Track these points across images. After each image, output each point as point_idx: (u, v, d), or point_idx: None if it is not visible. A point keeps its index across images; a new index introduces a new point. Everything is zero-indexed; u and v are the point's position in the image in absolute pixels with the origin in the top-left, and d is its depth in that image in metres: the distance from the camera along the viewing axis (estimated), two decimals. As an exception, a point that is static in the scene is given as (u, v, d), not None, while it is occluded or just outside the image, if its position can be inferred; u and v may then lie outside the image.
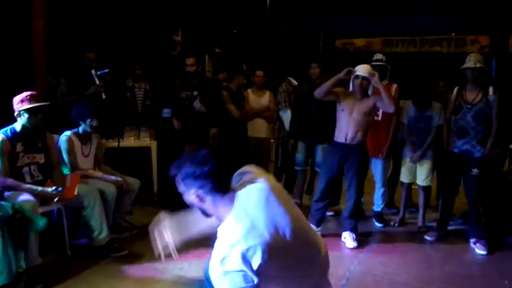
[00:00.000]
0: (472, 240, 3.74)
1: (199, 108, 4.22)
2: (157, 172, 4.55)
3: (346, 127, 3.68)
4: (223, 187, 1.63)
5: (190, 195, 1.64)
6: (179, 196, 4.32)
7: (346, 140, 3.68)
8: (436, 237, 3.90)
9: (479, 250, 3.64)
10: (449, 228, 4.06)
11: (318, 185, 3.97)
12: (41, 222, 2.50)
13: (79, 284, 2.73)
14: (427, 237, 3.92)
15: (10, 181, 2.80)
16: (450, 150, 3.80)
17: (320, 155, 4.31)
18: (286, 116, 4.66)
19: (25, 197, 2.71)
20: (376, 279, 3.08)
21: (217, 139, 4.65)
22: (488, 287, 3.10)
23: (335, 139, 3.77)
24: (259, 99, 4.70)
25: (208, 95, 4.25)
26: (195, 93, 4.22)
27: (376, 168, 4.29)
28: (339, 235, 3.80)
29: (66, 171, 3.31)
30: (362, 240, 3.77)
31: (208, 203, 1.63)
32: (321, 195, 3.83)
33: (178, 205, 4.13)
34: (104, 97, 3.75)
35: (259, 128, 4.72)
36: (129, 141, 4.41)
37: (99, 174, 3.43)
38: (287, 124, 4.64)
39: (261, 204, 1.59)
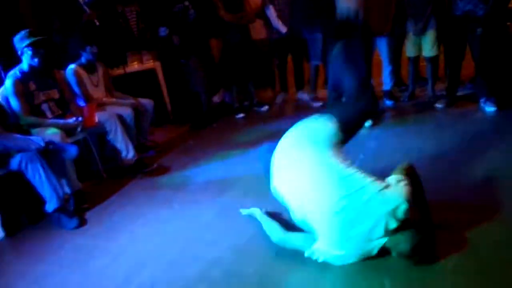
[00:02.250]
0: (481, 100, 3.82)
1: (194, 15, 4.16)
2: (167, 92, 4.63)
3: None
4: None
5: None
6: (193, 111, 4.50)
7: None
8: (446, 103, 3.99)
9: (489, 108, 3.74)
10: (459, 94, 4.13)
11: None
12: (73, 150, 2.67)
13: (120, 198, 2.99)
14: (437, 105, 4.02)
15: (33, 118, 2.95)
16: (453, 14, 3.73)
17: None
18: (270, 13, 4.55)
19: (52, 130, 2.87)
20: (393, 147, 3.23)
21: (218, 50, 4.63)
22: (498, 137, 3.23)
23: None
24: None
25: (198, 2, 4.17)
26: (186, 3, 4.12)
27: (382, 46, 4.26)
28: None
29: (81, 103, 3.43)
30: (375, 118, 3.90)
31: None
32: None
33: (193, 121, 4.35)
34: (97, 23, 3.73)
35: (258, 30, 4.65)
36: (133, 66, 4.44)
37: (113, 100, 3.54)
38: (274, 21, 4.55)
39: None
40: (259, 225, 2.39)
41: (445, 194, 2.34)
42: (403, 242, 1.76)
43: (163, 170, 3.35)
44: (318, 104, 4.58)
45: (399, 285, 1.80)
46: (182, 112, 4.61)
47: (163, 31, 4.41)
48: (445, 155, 2.95)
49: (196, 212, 2.65)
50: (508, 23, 4.23)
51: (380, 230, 1.77)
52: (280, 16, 4.53)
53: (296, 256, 2.04)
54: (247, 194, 2.79)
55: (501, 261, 1.80)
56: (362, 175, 1.89)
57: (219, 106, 4.80)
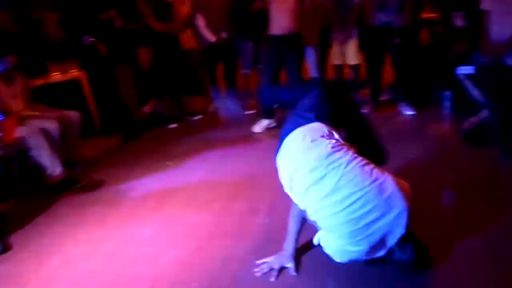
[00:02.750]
0: (401, 104, 4.14)
1: (123, 25, 4.01)
2: (94, 102, 4.40)
3: (279, 18, 3.74)
4: None
5: None
6: (123, 123, 4.31)
7: (283, 31, 3.77)
8: (370, 108, 4.26)
9: (407, 111, 4.06)
10: (382, 98, 4.44)
11: (262, 81, 4.11)
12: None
13: (48, 218, 2.77)
14: (363, 110, 4.27)
15: None
16: (373, 25, 4.00)
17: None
18: (198, 22, 4.53)
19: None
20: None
21: (147, 59, 4.50)
22: (417, 137, 3.53)
23: (271, 32, 3.83)
24: (181, 7, 4.52)
25: (128, 9, 4.03)
26: (113, 11, 3.97)
27: (310, 56, 4.44)
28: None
29: (-1, 117, 3.14)
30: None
31: None
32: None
33: (123, 132, 4.18)
34: (14, 31, 3.45)
35: (188, 39, 4.61)
36: (55, 76, 4.17)
37: (36, 113, 3.29)
38: (202, 31, 4.55)
39: None
40: (201, 237, 2.37)
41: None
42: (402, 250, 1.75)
43: (95, 185, 3.16)
44: (249, 112, 4.65)
45: None
46: (111, 123, 4.41)
47: (86, 39, 4.21)
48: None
49: (134, 228, 2.54)
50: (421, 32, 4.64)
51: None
52: (209, 25, 4.53)
53: (242, 266, 2.05)
54: (187, 205, 2.74)
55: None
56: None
57: (150, 116, 4.66)
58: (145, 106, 4.67)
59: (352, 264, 1.87)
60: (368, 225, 1.68)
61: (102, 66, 4.12)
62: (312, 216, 1.84)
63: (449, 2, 4.42)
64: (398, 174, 1.81)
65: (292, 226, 2.00)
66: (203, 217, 2.57)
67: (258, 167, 3.26)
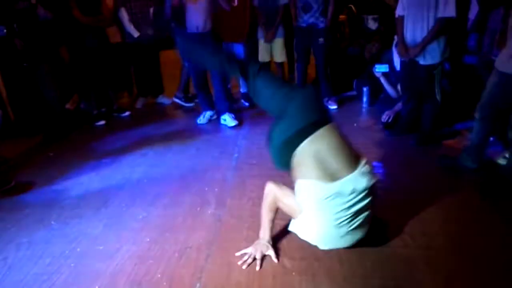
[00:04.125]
0: (325, 99, 4.47)
1: (44, 15, 3.75)
2: (8, 99, 4.06)
3: (195, 17, 3.81)
4: None
5: None
6: (45, 121, 4.03)
7: (198, 29, 3.83)
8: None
9: (332, 106, 4.41)
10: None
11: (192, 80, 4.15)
12: None
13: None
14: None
15: None
16: (298, 25, 4.26)
17: None
18: (121, 15, 4.42)
19: None
20: (259, 147, 3.51)
21: (65, 55, 4.26)
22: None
23: (188, 30, 3.87)
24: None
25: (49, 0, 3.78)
26: (33, 1, 3.70)
27: (239, 52, 4.56)
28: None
29: None
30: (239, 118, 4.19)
31: None
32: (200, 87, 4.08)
33: (46, 131, 3.91)
34: None
35: (114, 34, 4.46)
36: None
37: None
38: (126, 25, 4.45)
39: None
40: (155, 230, 2.37)
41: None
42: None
43: (25, 187, 2.95)
44: (190, 105, 4.66)
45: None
46: (29, 122, 4.10)
47: (0, 31, 3.86)
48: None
49: (82, 227, 2.44)
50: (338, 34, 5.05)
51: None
52: (133, 20, 4.42)
53: (199, 256, 2.11)
54: (133, 201, 2.71)
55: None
56: None
57: (74, 113, 4.41)
58: (67, 103, 4.41)
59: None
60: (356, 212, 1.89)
61: (18, 61, 3.81)
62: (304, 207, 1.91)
63: (362, 6, 4.89)
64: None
65: (266, 215, 2.06)
66: (152, 212, 2.57)
67: (199, 159, 3.32)
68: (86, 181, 3.04)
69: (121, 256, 2.16)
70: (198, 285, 1.92)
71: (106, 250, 2.21)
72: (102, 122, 4.29)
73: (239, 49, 4.49)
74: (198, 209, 2.57)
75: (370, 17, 4.79)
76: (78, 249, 2.24)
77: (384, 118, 3.75)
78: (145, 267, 2.07)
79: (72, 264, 2.11)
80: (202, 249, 2.18)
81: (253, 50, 4.73)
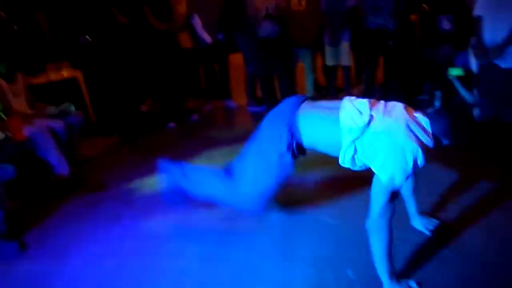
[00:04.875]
0: (394, 104, 4.31)
1: (122, 20, 4.01)
2: (92, 102, 4.38)
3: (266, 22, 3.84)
4: None
5: None
6: (121, 122, 4.25)
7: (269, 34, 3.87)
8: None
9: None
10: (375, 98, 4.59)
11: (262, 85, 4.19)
12: (9, 171, 2.43)
13: (60, 217, 2.77)
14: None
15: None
16: (366, 27, 4.15)
17: None
18: (195, 22, 4.58)
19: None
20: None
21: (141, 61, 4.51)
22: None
23: (258, 35, 3.91)
24: (178, 6, 4.54)
25: (124, 8, 4.03)
26: (113, 10, 3.97)
27: (305, 57, 4.55)
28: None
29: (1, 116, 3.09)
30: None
31: None
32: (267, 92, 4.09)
33: (121, 131, 4.17)
34: (16, 28, 3.41)
35: (185, 39, 4.65)
36: (52, 75, 4.13)
37: (41, 112, 3.27)
38: (199, 31, 4.58)
39: None
40: (223, 231, 2.43)
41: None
42: None
43: (102, 184, 3.17)
44: (257, 109, 4.71)
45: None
46: (108, 122, 4.39)
47: (83, 38, 4.18)
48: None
49: (151, 225, 2.57)
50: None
51: None
52: (205, 26, 4.57)
53: (267, 254, 2.13)
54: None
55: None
56: None
57: (147, 115, 4.66)
58: (142, 105, 4.67)
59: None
60: None
61: (101, 66, 4.10)
62: None
63: (436, 6, 4.64)
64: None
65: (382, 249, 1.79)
66: (216, 214, 2.63)
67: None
68: (157, 182, 3.19)
69: (189, 255, 2.24)
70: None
71: (175, 249, 2.31)
72: (172, 125, 4.49)
73: (304, 54, 4.48)
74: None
75: (444, 17, 4.54)
76: (149, 247, 2.36)
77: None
78: (211, 268, 2.13)
79: (142, 262, 2.23)
80: (266, 252, 2.20)
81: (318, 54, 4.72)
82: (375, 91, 4.62)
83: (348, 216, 2.44)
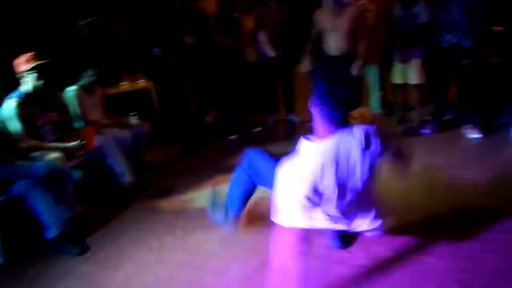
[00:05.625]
0: (465, 127, 4.03)
1: (189, 41, 4.22)
2: (160, 112, 4.64)
3: (334, 43, 3.79)
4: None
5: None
6: (186, 132, 4.46)
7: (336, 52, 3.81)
8: (432, 129, 4.18)
9: (473, 135, 3.95)
10: (445, 118, 4.33)
11: None
12: (76, 174, 2.66)
13: (121, 223, 2.98)
14: (424, 131, 4.20)
15: (34, 142, 2.91)
16: (439, 45, 3.93)
17: None
18: (261, 37, 4.61)
19: (51, 154, 2.85)
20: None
21: (209, 74, 4.69)
22: (482, 163, 3.40)
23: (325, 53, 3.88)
24: (247, 21, 4.66)
25: (196, 26, 4.23)
26: (185, 27, 4.19)
27: (371, 74, 4.42)
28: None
29: (77, 126, 3.40)
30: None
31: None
32: None
33: (186, 141, 4.37)
34: (96, 44, 3.74)
35: (250, 53, 4.75)
36: (126, 86, 4.44)
37: (111, 122, 3.54)
38: (263, 46, 4.63)
39: None
40: (264, 253, 2.44)
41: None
42: None
43: (163, 193, 3.35)
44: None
45: None
46: (174, 132, 4.63)
47: (156, 52, 4.46)
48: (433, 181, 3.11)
49: (200, 239, 2.66)
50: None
51: None
52: (270, 41, 4.63)
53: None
54: (253, 219, 2.82)
55: None
56: None
57: (210, 126, 4.84)
58: (206, 117, 4.86)
59: None
60: None
61: (170, 78, 4.34)
62: None
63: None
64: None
65: None
66: (266, 234, 2.64)
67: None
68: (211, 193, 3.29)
69: (232, 274, 2.28)
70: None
71: (219, 266, 2.37)
72: (234, 136, 4.60)
73: (371, 71, 4.35)
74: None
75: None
76: (196, 261, 2.45)
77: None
78: (251, 289, 2.16)
79: (188, 275, 2.32)
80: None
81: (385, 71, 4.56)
82: (446, 112, 4.35)
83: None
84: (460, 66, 3.86)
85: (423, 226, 2.53)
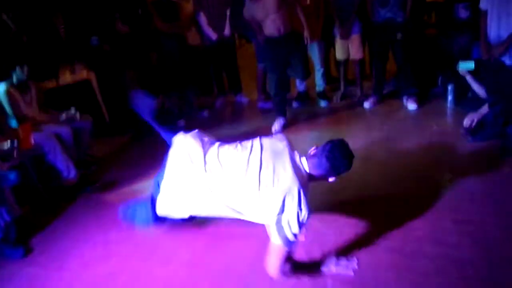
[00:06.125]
0: (404, 98, 4.20)
1: (123, 29, 4.12)
2: (104, 102, 4.53)
3: (272, 23, 3.78)
4: None
5: None
6: (132, 120, 4.35)
7: (279, 33, 3.81)
8: (374, 103, 4.33)
9: (411, 106, 4.13)
10: (385, 91, 4.50)
11: (270, 81, 4.16)
12: (13, 176, 2.58)
13: (66, 221, 2.93)
14: (365, 105, 4.34)
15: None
16: (375, 20, 4.03)
17: None
18: (201, 20, 4.56)
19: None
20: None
21: (154, 61, 4.61)
22: (419, 134, 3.59)
23: (267, 35, 3.87)
24: (186, 4, 4.57)
25: (128, 14, 4.12)
26: (117, 15, 4.06)
27: (313, 51, 4.47)
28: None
29: (14, 124, 3.28)
30: (313, 120, 4.16)
31: None
32: (279, 88, 4.05)
33: (133, 130, 4.30)
34: (25, 39, 3.57)
35: (193, 36, 4.69)
36: (66, 78, 4.28)
37: (48, 118, 3.43)
38: (205, 28, 4.58)
39: None
40: (210, 234, 2.50)
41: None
42: None
43: (109, 185, 3.31)
44: (266, 105, 4.70)
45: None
46: (120, 122, 4.54)
47: (95, 40, 4.32)
48: (372, 155, 3.26)
49: (146, 229, 2.67)
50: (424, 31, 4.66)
51: None
52: (210, 23, 4.58)
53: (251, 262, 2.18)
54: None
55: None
56: None
57: (159, 112, 4.76)
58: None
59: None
60: None
61: (110, 67, 4.23)
62: None
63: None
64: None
65: None
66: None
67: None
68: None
69: (177, 262, 2.32)
70: None
71: (165, 255, 2.40)
72: (182, 122, 4.57)
73: (313, 48, 4.41)
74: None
75: (461, 4, 4.32)
76: (142, 252, 2.47)
77: (467, 122, 3.39)
78: (195, 274, 2.21)
79: (134, 267, 2.34)
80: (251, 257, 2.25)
81: (328, 47, 4.64)
82: (386, 85, 4.51)
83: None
84: (395, 40, 3.99)
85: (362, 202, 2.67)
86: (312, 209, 1.92)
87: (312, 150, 2.02)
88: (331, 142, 1.98)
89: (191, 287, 2.13)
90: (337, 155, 1.92)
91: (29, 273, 2.42)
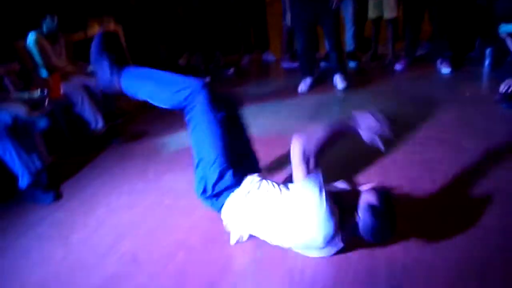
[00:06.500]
0: (438, 61, 4.03)
1: None
2: (131, 56, 4.54)
3: None
4: None
5: None
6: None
7: None
8: (405, 65, 4.18)
9: (445, 69, 3.96)
10: (418, 54, 4.32)
11: (298, 39, 4.04)
12: (43, 122, 2.65)
13: (93, 169, 3.02)
14: (396, 67, 4.19)
15: (-5, 94, 2.87)
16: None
17: None
18: None
19: (16, 105, 2.82)
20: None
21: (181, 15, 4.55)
22: (451, 101, 3.45)
23: None
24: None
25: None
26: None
27: (347, 9, 4.31)
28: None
29: (44, 74, 3.34)
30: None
31: None
32: (306, 48, 3.93)
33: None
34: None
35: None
36: (94, 30, 4.29)
37: (77, 69, 3.47)
38: None
39: None
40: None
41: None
42: None
43: (135, 138, 3.38)
44: (290, 65, 4.61)
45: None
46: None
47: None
48: (402, 118, 3.16)
49: (171, 181, 2.74)
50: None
51: None
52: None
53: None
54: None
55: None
56: None
57: (185, 69, 4.76)
58: (180, 59, 4.77)
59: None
60: None
61: (138, 21, 4.20)
62: None
63: None
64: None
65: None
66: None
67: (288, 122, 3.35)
68: (184, 136, 3.33)
69: (199, 214, 2.37)
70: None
71: (187, 207, 2.45)
72: (207, 79, 4.55)
73: (346, 6, 4.23)
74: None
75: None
76: (166, 202, 2.53)
77: (503, 88, 3.23)
78: (217, 227, 2.26)
79: (157, 216, 2.41)
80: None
81: (361, 6, 4.42)
82: (419, 47, 4.32)
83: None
84: (433, 0, 3.78)
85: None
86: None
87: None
88: (376, 205, 1.63)
89: (211, 239, 2.18)
90: (383, 226, 1.64)
91: (57, 217, 2.52)
